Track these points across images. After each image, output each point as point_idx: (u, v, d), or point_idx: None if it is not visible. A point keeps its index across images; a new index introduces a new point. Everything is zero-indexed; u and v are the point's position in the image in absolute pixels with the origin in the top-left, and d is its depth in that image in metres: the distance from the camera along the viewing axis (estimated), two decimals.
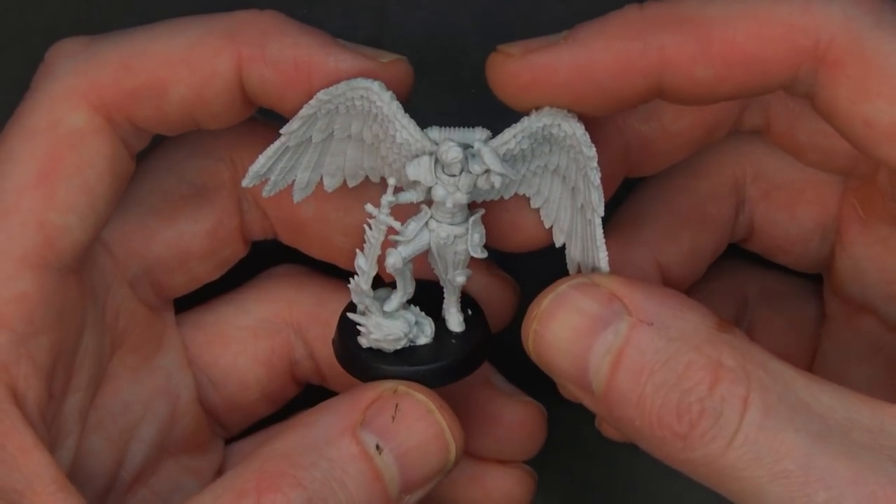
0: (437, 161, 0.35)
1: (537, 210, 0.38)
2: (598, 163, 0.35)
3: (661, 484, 0.34)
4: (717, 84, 0.33)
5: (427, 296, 0.38)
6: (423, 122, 0.35)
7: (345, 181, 0.38)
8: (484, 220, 0.37)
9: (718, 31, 0.33)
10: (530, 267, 0.38)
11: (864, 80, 0.32)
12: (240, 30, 0.35)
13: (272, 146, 0.36)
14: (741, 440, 0.31)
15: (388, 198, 0.35)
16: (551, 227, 0.38)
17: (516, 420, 0.42)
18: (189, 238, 0.40)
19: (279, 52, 0.35)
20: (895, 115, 0.32)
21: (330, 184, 0.38)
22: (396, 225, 0.35)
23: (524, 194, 0.38)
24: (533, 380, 0.37)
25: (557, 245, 0.38)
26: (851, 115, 0.33)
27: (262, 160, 0.36)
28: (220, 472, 0.43)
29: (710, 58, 0.33)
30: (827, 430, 0.31)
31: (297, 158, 0.37)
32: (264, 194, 0.37)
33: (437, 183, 0.35)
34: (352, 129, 0.36)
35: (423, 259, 0.37)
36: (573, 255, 0.37)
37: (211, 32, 0.35)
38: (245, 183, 0.37)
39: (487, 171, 0.35)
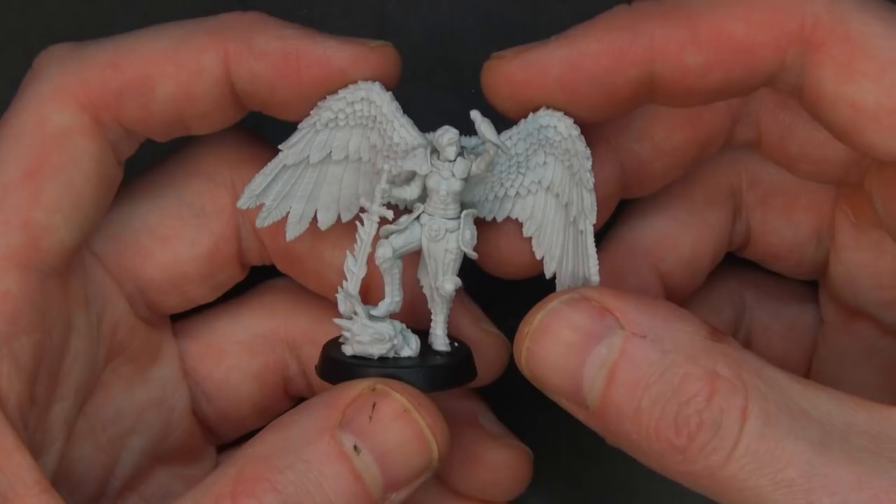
0: (432, 151, 0.35)
1: (529, 238, 0.38)
2: (594, 186, 0.35)
3: (662, 485, 0.33)
4: (707, 72, 0.34)
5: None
6: (424, 122, 0.36)
7: (337, 221, 0.38)
8: (477, 247, 0.37)
9: (706, 18, 0.33)
10: (522, 287, 0.38)
11: (849, 61, 0.32)
12: (225, 27, 0.36)
13: (270, 163, 0.36)
14: (742, 451, 0.30)
15: (382, 185, 0.35)
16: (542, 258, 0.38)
17: (500, 463, 0.41)
18: (185, 261, 0.40)
19: (266, 44, 0.35)
20: (880, 96, 0.32)
21: (324, 219, 0.38)
22: (389, 215, 0.35)
23: (517, 219, 0.38)
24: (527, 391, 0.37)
25: (548, 275, 0.37)
26: (837, 98, 0.33)
27: (258, 178, 0.36)
28: None
29: (698, 44, 0.33)
30: (827, 436, 0.30)
31: (293, 183, 0.37)
32: (258, 224, 0.37)
33: (432, 171, 0.35)
34: (350, 147, 0.36)
35: (412, 289, 0.37)
36: (563, 279, 0.37)
37: (197, 31, 0.36)
38: (240, 203, 0.37)
39: (480, 155, 0.35)
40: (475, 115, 0.34)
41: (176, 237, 0.39)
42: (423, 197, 0.36)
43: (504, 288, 0.41)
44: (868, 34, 0.32)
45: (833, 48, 0.32)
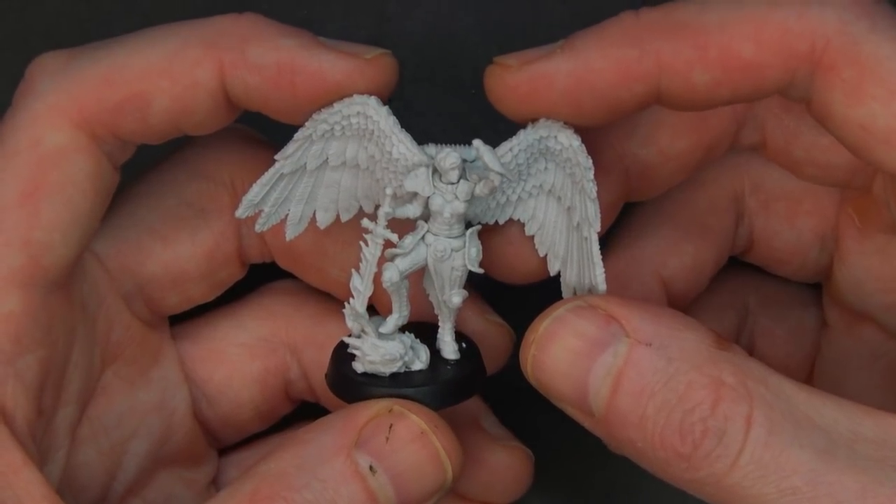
0: (434, 171, 0.35)
1: (535, 247, 0.38)
2: (598, 190, 0.35)
3: (665, 488, 0.33)
4: (715, 89, 0.33)
5: (420, 334, 0.37)
6: (424, 122, 0.35)
7: (338, 217, 0.37)
8: (483, 256, 0.36)
9: (715, 36, 0.33)
10: (526, 295, 0.38)
11: (860, 84, 0.32)
12: (220, 36, 0.35)
13: (266, 174, 0.36)
14: (746, 458, 0.30)
15: (385, 209, 0.35)
16: (546, 256, 0.38)
17: (501, 465, 0.41)
18: (185, 260, 0.40)
19: (261, 56, 0.35)
20: (889, 120, 0.32)
21: (323, 219, 0.37)
22: (394, 238, 0.35)
23: (519, 219, 0.37)
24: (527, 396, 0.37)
25: (552, 273, 0.37)
26: (847, 119, 0.32)
27: (255, 189, 0.36)
28: (214, 482, 0.43)
29: (707, 63, 0.33)
30: (832, 444, 0.30)
31: (290, 189, 0.37)
32: (257, 229, 0.37)
33: (434, 192, 0.35)
34: (346, 155, 0.36)
35: (418, 295, 0.37)
36: (569, 279, 0.37)
37: (191, 41, 0.35)
38: (238, 213, 0.37)
39: (483, 179, 0.34)
40: (478, 143, 0.34)
41: (176, 237, 0.39)
42: (426, 215, 0.36)
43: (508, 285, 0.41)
44: (880, 57, 0.32)
45: (844, 71, 0.32)
